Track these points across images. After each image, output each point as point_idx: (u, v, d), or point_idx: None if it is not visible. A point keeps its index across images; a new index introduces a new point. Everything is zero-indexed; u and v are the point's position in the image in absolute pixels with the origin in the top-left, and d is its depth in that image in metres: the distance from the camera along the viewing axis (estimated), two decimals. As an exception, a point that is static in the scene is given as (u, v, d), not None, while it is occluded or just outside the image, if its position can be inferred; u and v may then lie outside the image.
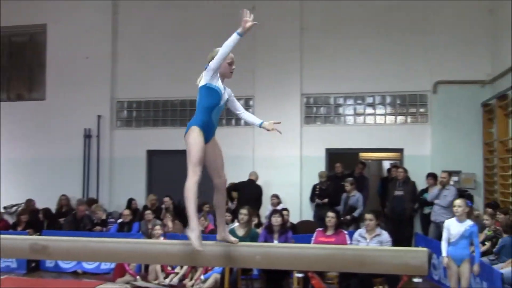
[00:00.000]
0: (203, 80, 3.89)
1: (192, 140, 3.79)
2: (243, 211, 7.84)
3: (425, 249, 3.58)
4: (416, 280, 3.67)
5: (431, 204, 9.91)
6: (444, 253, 6.66)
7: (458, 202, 6.70)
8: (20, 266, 9.84)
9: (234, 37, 3.74)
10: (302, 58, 11.90)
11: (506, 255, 7.02)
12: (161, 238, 8.53)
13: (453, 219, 6.67)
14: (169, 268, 8.62)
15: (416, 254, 3.53)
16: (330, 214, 7.71)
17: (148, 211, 10.32)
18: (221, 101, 3.92)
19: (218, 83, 3.91)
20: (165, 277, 8.57)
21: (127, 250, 3.93)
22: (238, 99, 13.02)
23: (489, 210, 8.34)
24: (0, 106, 13.00)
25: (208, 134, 3.88)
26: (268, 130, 4.17)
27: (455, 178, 10.59)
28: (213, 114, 3.90)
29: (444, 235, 6.69)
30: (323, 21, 11.95)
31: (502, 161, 9.97)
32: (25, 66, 13.63)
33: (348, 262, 3.68)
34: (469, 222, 6.56)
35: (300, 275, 6.97)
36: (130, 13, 12.83)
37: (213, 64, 3.82)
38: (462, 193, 10.11)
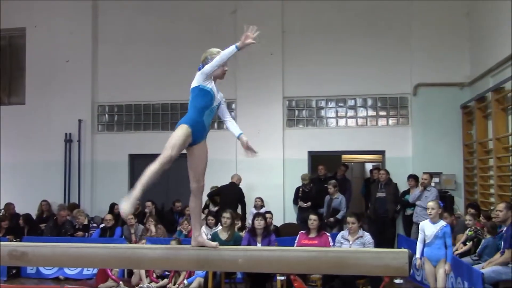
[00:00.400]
0: (195, 81, 3.90)
1: (178, 132, 3.74)
2: (226, 215, 7.85)
3: (405, 250, 3.61)
4: (397, 281, 3.70)
5: (413, 205, 10.01)
6: (418, 255, 6.84)
7: (430, 204, 6.86)
8: (0, 273, 9.68)
9: (231, 49, 3.83)
10: (284, 61, 11.94)
11: (488, 255, 7.11)
12: None
13: (427, 221, 6.86)
14: (154, 276, 8.55)
15: (397, 255, 3.55)
16: (313, 216, 7.74)
17: (130, 216, 10.22)
18: (214, 102, 3.92)
19: (211, 85, 3.92)
20: (150, 282, 8.51)
21: (107, 255, 3.89)
22: (220, 103, 12.69)
23: (472, 210, 8.43)
24: (-20, 111, 12.86)
25: (198, 135, 3.84)
26: (242, 145, 4.10)
27: (436, 180, 10.69)
28: (205, 116, 3.88)
29: (420, 237, 6.88)
30: (304, 24, 12.01)
31: (481, 162, 10.09)
32: (4, 70, 13.46)
33: (330, 264, 3.69)
34: (442, 223, 6.73)
35: (282, 277, 6.97)
36: (110, 16, 12.76)
37: (206, 69, 3.86)
38: (443, 194, 10.25)
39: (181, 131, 3.74)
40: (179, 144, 3.69)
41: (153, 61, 12.32)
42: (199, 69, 3.94)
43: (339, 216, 10.21)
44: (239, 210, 10.56)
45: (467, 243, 7.82)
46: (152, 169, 3.54)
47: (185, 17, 12.38)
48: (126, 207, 3.43)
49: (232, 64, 12.97)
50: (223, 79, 4.04)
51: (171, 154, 3.60)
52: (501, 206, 6.99)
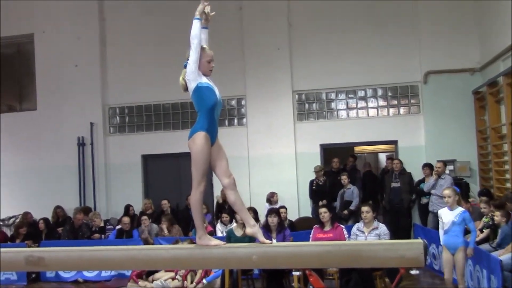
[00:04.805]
0: (191, 85, 3.84)
1: (200, 148, 3.74)
2: (240, 213, 7.84)
3: (420, 240, 3.58)
4: (413, 272, 3.67)
5: (428, 194, 9.94)
6: (441, 242, 6.77)
7: (447, 192, 6.78)
8: (20, 278, 9.79)
9: (194, 24, 3.85)
10: (292, 55, 11.89)
11: (507, 243, 7.03)
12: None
13: (445, 208, 6.78)
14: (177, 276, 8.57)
15: (411, 246, 3.52)
16: (322, 210, 7.69)
17: (144, 217, 10.24)
18: (217, 96, 3.87)
19: (206, 80, 3.87)
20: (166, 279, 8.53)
21: (121, 257, 3.91)
22: (230, 99, 12.99)
23: (484, 198, 8.35)
24: (-8, 118, 13.01)
25: (213, 136, 3.84)
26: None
27: (450, 167, 10.60)
28: (216, 113, 3.86)
29: (440, 224, 6.81)
30: (310, 17, 11.95)
31: (495, 148, 9.98)
32: (15, 77, 13.57)
33: (344, 258, 3.68)
34: (459, 210, 6.64)
35: (298, 273, 6.96)
36: (117, 19, 12.79)
37: (191, 58, 3.80)
38: (458, 182, 10.15)
39: (201, 144, 3.74)
40: (207, 165, 3.80)
41: (161, 61, 12.29)
42: (185, 66, 3.88)
43: (352, 207, 10.18)
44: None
45: (484, 230, 7.74)
46: (197, 206, 3.82)
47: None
48: (212, 242, 3.79)
49: (240, 60, 13.03)
50: (210, 75, 3.96)
51: (206, 181, 3.82)
52: None
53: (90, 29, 12.72)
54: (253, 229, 3.85)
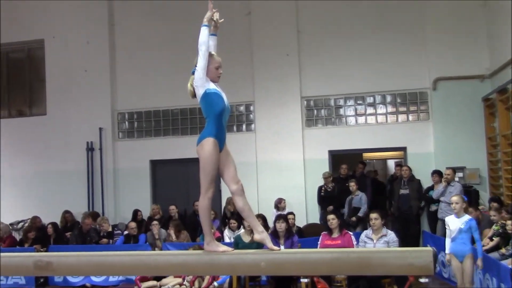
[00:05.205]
0: (198, 91, 3.85)
1: (208, 154, 3.74)
2: (248, 220, 7.83)
3: (429, 248, 3.56)
4: (422, 280, 3.64)
5: (437, 201, 9.88)
6: (447, 250, 6.73)
7: (454, 199, 6.78)
8: (28, 282, 9.83)
9: (202, 30, 3.86)
10: (300, 61, 11.88)
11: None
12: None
13: (452, 216, 6.77)
14: (185, 281, 8.56)
15: (421, 254, 3.49)
16: (330, 216, 7.68)
17: (154, 222, 10.27)
18: (225, 102, 3.87)
19: (214, 86, 3.87)
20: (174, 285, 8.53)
21: (130, 262, 3.90)
22: (238, 105, 13.00)
23: (495, 204, 8.29)
24: (1, 123, 13.07)
25: (222, 142, 3.83)
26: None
27: (459, 174, 10.55)
28: (224, 119, 3.86)
29: (447, 232, 6.79)
30: (319, 23, 11.95)
31: (505, 155, 9.91)
32: (25, 82, 13.67)
33: (353, 265, 3.64)
34: (466, 217, 6.62)
35: (306, 280, 6.94)
36: (126, 24, 12.84)
37: (198, 64, 3.81)
38: (467, 189, 10.10)
39: (209, 150, 3.73)
40: (215, 171, 3.79)
41: (170, 66, 12.32)
42: (193, 73, 3.88)
43: (360, 213, 10.15)
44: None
45: (494, 238, 7.68)
46: (205, 212, 3.81)
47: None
48: (219, 249, 3.75)
49: (248, 66, 13.04)
50: (218, 81, 3.96)
51: (214, 187, 3.82)
52: None
53: (100, 34, 12.79)
54: (261, 235, 3.83)
